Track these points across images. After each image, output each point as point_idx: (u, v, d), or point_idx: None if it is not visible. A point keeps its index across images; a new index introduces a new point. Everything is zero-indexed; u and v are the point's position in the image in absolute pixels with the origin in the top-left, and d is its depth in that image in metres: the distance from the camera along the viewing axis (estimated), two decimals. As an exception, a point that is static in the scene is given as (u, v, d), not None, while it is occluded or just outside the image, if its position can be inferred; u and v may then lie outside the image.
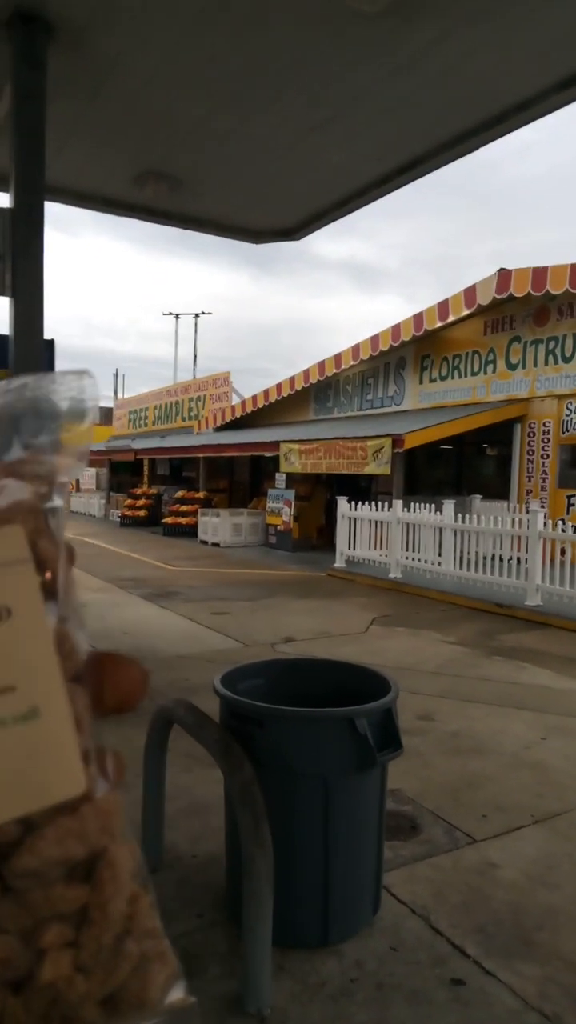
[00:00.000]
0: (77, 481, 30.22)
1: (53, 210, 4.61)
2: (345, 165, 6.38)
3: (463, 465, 16.09)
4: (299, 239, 8.14)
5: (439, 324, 13.81)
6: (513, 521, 9.95)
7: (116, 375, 42.99)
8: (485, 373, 13.91)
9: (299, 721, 2.30)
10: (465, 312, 13.31)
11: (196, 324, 41.42)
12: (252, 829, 2.07)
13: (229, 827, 2.54)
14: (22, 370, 4.76)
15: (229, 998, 2.15)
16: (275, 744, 2.31)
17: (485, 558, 9.36)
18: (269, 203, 7.29)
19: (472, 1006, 2.16)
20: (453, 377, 14.58)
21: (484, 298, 12.71)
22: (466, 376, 14.30)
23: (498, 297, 12.48)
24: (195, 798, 3.42)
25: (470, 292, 12.96)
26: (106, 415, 40.06)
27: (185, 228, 7.68)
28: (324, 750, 2.30)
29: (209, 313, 56.29)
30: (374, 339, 15.27)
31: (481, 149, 5.93)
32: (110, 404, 39.95)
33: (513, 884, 2.81)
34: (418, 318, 14.07)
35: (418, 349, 15.29)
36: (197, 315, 42.33)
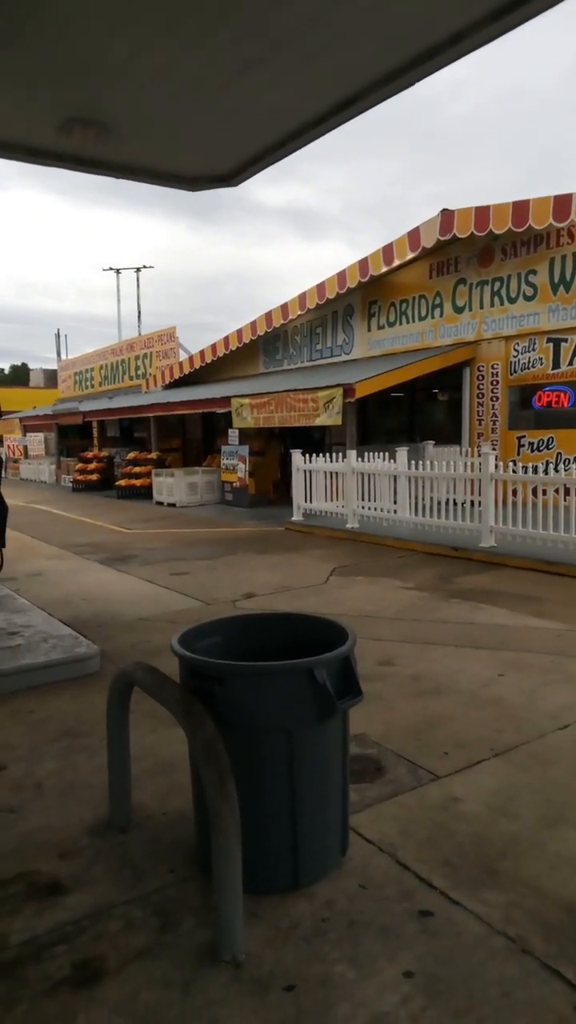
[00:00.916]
0: (25, 447, 29.49)
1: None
2: (280, 105, 6.14)
3: (415, 412, 16.14)
4: (236, 185, 7.85)
5: (384, 269, 13.65)
6: (466, 465, 10.05)
7: (58, 336, 41.71)
8: (433, 317, 13.86)
9: (258, 676, 2.30)
10: (410, 255, 13.17)
11: (138, 279, 40.28)
12: (217, 785, 2.07)
13: (196, 784, 2.55)
14: (-47, 334, 4.54)
15: (204, 948, 2.19)
16: (236, 700, 2.31)
17: (440, 503, 9.48)
18: (203, 148, 7.00)
19: (440, 936, 2.23)
20: (401, 323, 14.50)
21: (428, 240, 12.58)
22: (414, 321, 14.24)
23: (442, 239, 12.37)
24: (161, 757, 3.43)
25: (414, 234, 12.81)
26: (50, 378, 38.93)
27: (118, 177, 7.33)
28: (285, 702, 2.31)
29: (151, 267, 54.80)
30: (320, 287, 15.05)
31: (417, 86, 5.78)
32: (54, 366, 38.81)
33: (476, 816, 2.90)
34: (363, 263, 13.89)
35: (365, 295, 15.13)
36: (139, 269, 41.08)
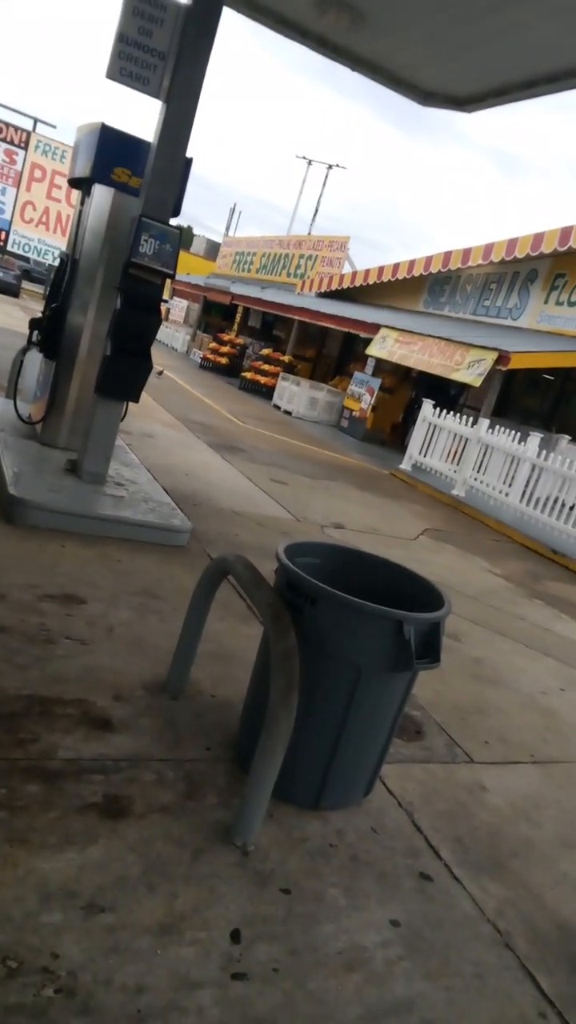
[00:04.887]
0: (168, 310, 29.91)
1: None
2: (547, 41, 5.68)
3: (561, 401, 15.37)
4: (470, 112, 7.40)
5: (586, 245, 12.75)
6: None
7: (232, 211, 41.34)
8: (615, 311, 12.97)
9: (351, 609, 2.35)
10: (617, 239, 12.24)
11: (326, 177, 39.11)
12: (283, 693, 2.17)
13: (256, 680, 2.68)
14: (156, 183, 4.60)
15: (220, 826, 2.35)
16: (322, 624, 2.38)
17: (555, 501, 9.14)
18: (450, 65, 6.61)
19: (434, 902, 2.32)
20: (581, 306, 13.63)
21: None
22: (594, 309, 13.36)
23: None
24: (223, 646, 3.60)
25: (629, 219, 11.85)
26: (212, 250, 38.97)
27: (354, 70, 7.04)
28: (367, 642, 2.37)
29: (343, 167, 52.17)
30: (511, 242, 14.24)
31: None
32: (218, 239, 38.74)
33: (498, 810, 2.94)
34: (566, 231, 12.99)
35: (555, 265, 14.24)
36: (330, 167, 39.89)
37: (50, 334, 5.57)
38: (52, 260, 24.76)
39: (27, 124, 26.05)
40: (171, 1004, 1.74)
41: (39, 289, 25.89)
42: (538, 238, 13.60)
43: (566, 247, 13.01)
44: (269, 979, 1.88)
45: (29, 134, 25.28)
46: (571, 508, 8.89)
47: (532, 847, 2.76)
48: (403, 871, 2.43)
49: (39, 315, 5.72)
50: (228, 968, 1.88)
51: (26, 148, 25.00)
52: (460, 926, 2.25)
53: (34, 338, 5.67)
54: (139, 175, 4.99)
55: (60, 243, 25.20)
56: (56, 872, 2.01)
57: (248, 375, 18.38)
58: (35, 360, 6.24)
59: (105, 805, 2.31)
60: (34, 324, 5.61)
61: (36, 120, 26.82)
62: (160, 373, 14.70)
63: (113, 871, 2.07)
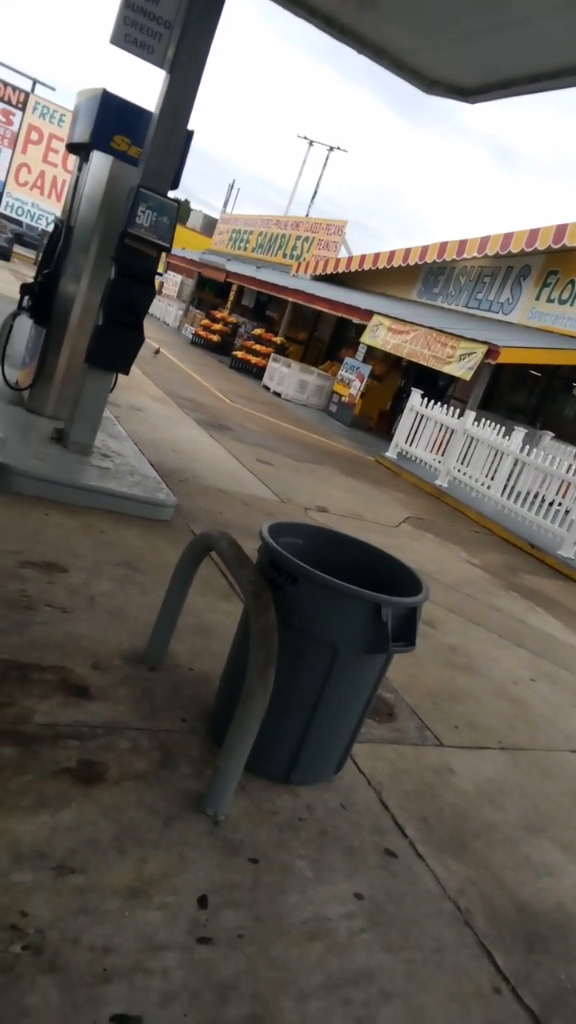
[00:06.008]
0: (162, 284, 29.61)
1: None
2: (556, 37, 5.67)
3: (546, 397, 15.49)
4: (473, 103, 7.39)
5: (581, 243, 12.79)
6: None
7: (231, 187, 40.84)
8: (606, 311, 13.05)
9: (331, 590, 2.38)
10: (613, 239, 12.29)
11: (327, 159, 38.77)
12: (260, 669, 2.20)
13: (234, 655, 2.71)
14: (156, 154, 4.55)
15: (192, 796, 2.39)
16: (302, 602, 2.41)
17: (535, 496, 9.23)
18: (458, 54, 6.57)
19: (397, 877, 2.38)
20: (574, 304, 13.70)
21: None
22: (586, 308, 13.43)
23: None
24: (203, 621, 3.62)
25: (626, 219, 11.89)
26: (208, 226, 38.57)
27: (360, 52, 6.98)
28: (345, 623, 2.40)
29: (344, 150, 51.51)
30: (507, 237, 14.25)
31: None
32: (215, 214, 38.34)
33: (464, 793, 3.01)
34: (560, 229, 13.03)
35: (548, 262, 14.28)
36: (331, 148, 39.55)
37: (41, 300, 5.51)
38: (46, 225, 24.36)
39: (26, 84, 25.50)
40: (137, 965, 1.78)
41: (31, 254, 25.47)
42: (533, 234, 13.62)
43: (560, 245, 13.04)
44: (234, 944, 1.93)
45: (27, 95, 24.76)
46: (550, 504, 8.99)
47: (495, 829, 2.83)
48: (369, 847, 2.48)
49: (31, 280, 5.65)
50: (194, 932, 1.92)
51: (24, 109, 24.50)
52: (422, 902, 2.32)
53: (25, 303, 5.60)
54: (139, 144, 4.93)
55: (55, 208, 24.80)
56: (28, 833, 2.04)
57: (239, 354, 18.29)
58: (25, 326, 6.16)
59: (79, 770, 2.33)
60: (25, 289, 5.54)
61: (35, 81, 26.26)
62: (157, 352, 14.57)
63: (85, 834, 2.10)
